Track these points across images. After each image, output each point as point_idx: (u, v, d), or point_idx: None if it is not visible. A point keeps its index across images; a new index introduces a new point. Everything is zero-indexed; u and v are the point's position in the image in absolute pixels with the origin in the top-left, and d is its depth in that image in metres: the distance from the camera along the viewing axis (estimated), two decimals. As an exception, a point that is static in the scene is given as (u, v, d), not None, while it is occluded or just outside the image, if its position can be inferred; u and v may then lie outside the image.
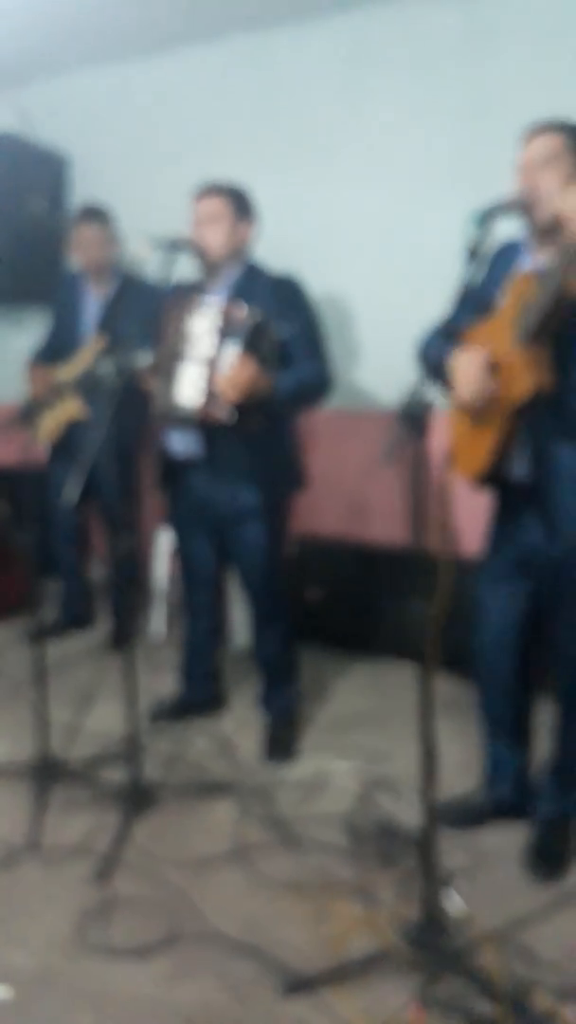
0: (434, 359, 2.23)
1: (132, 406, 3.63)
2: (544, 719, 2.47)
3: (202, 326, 2.56)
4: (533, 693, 2.47)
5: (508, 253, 2.26)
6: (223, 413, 2.52)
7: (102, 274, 3.65)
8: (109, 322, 3.58)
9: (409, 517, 1.86)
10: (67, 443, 3.59)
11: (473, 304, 2.24)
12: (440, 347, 2.25)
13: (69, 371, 3.59)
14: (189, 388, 2.57)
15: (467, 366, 2.09)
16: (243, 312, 2.51)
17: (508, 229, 2.26)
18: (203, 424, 2.59)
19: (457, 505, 2.31)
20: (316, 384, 2.73)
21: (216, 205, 2.69)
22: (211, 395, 2.53)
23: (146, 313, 3.45)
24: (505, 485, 2.23)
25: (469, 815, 2.49)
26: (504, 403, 2.06)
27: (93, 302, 3.67)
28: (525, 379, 2.00)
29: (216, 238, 2.69)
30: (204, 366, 2.54)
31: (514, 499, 2.24)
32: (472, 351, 2.10)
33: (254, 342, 2.52)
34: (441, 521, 1.91)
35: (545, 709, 2.47)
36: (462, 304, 2.23)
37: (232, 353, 2.51)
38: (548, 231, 2.09)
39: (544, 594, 2.28)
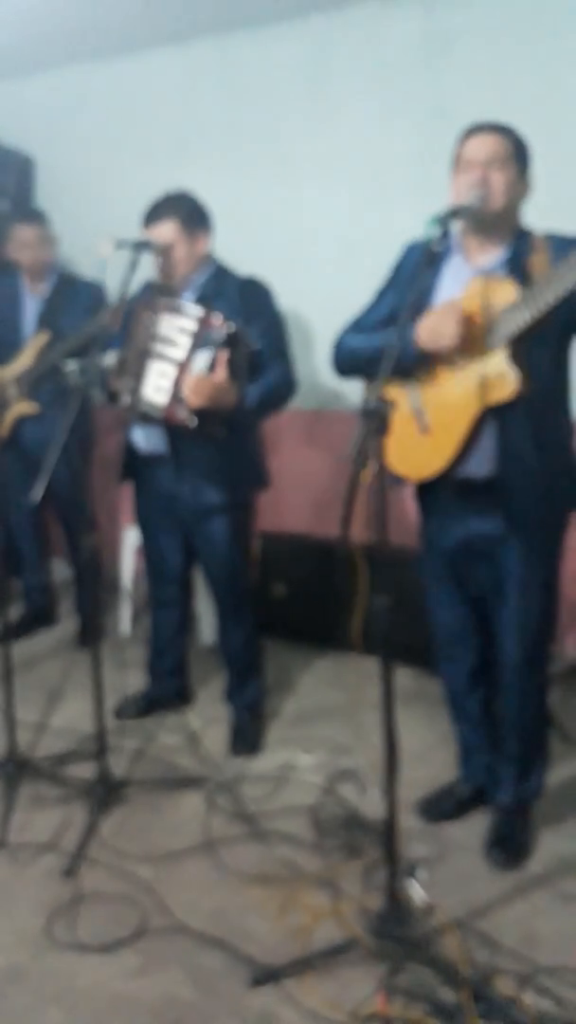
0: (370, 346, 2.20)
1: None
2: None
3: (177, 329, 2.53)
4: (495, 681, 2.49)
5: (414, 254, 2.25)
6: (185, 417, 2.50)
7: (39, 274, 3.61)
8: (49, 319, 3.56)
9: (370, 514, 1.86)
10: (15, 440, 3.54)
11: (387, 306, 2.27)
12: (368, 337, 2.24)
13: (12, 370, 3.56)
14: (156, 387, 2.54)
15: (443, 316, 2.03)
16: (220, 321, 2.48)
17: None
18: (166, 424, 2.57)
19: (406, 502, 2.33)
20: (282, 388, 2.71)
21: (169, 230, 2.64)
22: (176, 398, 2.50)
23: (84, 309, 3.48)
24: (451, 484, 2.20)
25: (448, 808, 2.50)
26: (473, 405, 2.05)
27: (31, 301, 3.64)
28: (507, 383, 1.99)
29: (178, 259, 2.67)
30: (174, 368, 2.52)
31: (459, 496, 2.22)
32: (446, 305, 2.06)
33: (228, 351, 2.49)
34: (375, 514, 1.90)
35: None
36: (377, 305, 2.31)
37: (204, 360, 2.48)
38: (489, 230, 2.11)
39: (490, 581, 2.29)
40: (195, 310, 2.52)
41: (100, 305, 3.56)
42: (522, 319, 1.94)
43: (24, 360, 3.53)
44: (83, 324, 3.41)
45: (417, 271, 2.04)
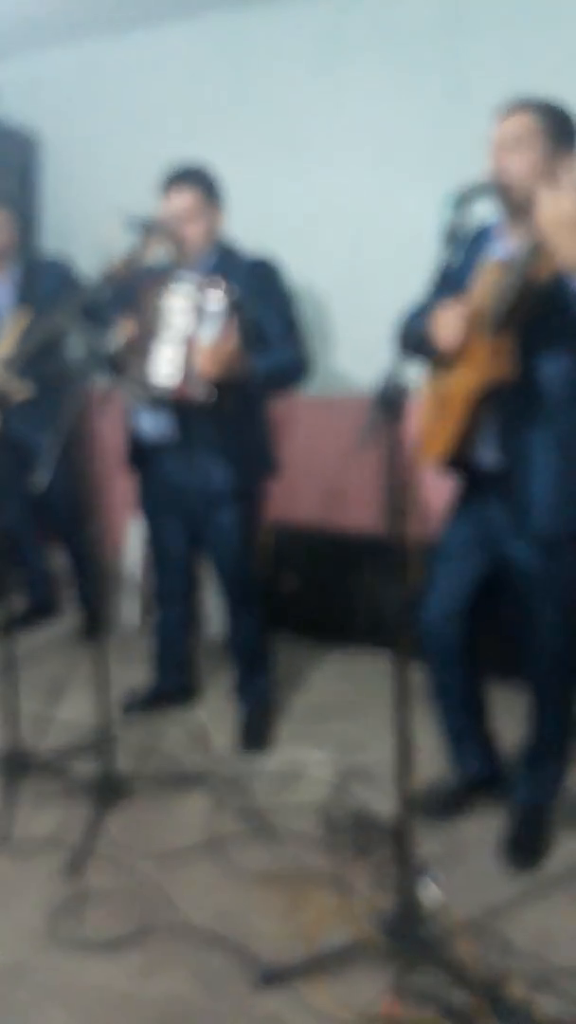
0: (415, 335, 2.22)
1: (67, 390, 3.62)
2: (512, 707, 2.48)
3: (178, 304, 2.52)
4: (480, 668, 2.48)
5: (482, 237, 2.25)
6: (201, 391, 2.48)
7: (6, 258, 3.60)
8: (25, 300, 3.55)
9: (384, 504, 1.85)
10: (4, 426, 3.54)
11: (450, 288, 2.23)
12: (419, 323, 2.24)
13: None
14: (165, 367, 2.53)
15: (446, 316, 2.07)
16: (220, 288, 2.47)
17: (488, 212, 2.25)
18: (179, 404, 2.56)
19: (429, 490, 2.32)
20: (292, 368, 2.71)
21: (189, 199, 2.63)
22: (189, 373, 2.49)
23: (54, 289, 3.49)
24: (470, 471, 2.24)
25: (445, 802, 2.49)
26: (465, 390, 2.07)
27: (1, 286, 3.63)
28: (485, 369, 2.00)
29: (193, 232, 2.66)
30: (181, 344, 2.51)
31: (479, 485, 2.24)
32: (447, 306, 2.09)
33: (235, 318, 2.48)
34: (409, 505, 1.89)
35: (512, 697, 2.49)
36: (439, 288, 2.25)
37: (210, 330, 2.47)
38: (519, 214, 2.08)
39: (499, 579, 2.29)
40: (194, 278, 2.52)
41: (70, 283, 3.57)
42: (502, 298, 1.95)
43: (7, 343, 3.53)
44: (55, 302, 3.43)
45: (447, 253, 2.02)
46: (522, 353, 2.02)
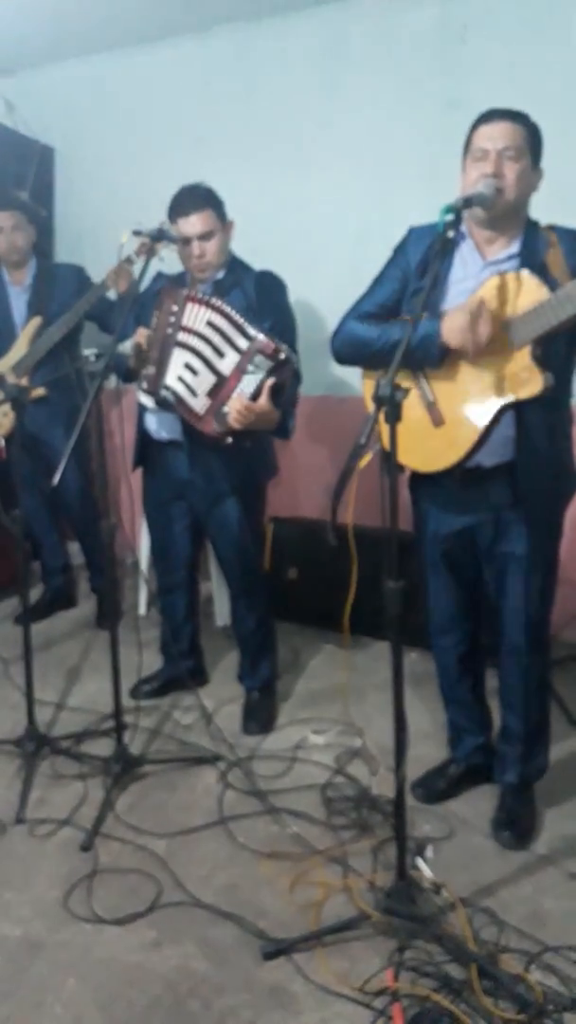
0: (384, 341, 2.15)
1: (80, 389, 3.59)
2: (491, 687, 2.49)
3: (224, 334, 2.46)
4: (484, 661, 2.50)
5: (426, 237, 2.15)
6: (219, 431, 2.47)
7: (17, 263, 3.57)
8: (37, 307, 3.53)
9: (382, 500, 1.84)
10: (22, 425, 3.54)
11: (390, 290, 2.24)
12: (382, 329, 2.18)
13: (8, 360, 3.55)
14: (181, 376, 2.51)
15: (473, 318, 1.97)
16: (274, 348, 2.40)
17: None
18: (195, 426, 2.53)
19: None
20: (295, 385, 2.66)
21: (205, 220, 2.60)
22: (216, 411, 2.47)
23: (70, 293, 3.48)
24: (455, 472, 2.16)
25: (443, 786, 2.49)
26: (495, 400, 2.02)
27: (15, 293, 3.60)
28: (535, 382, 1.95)
29: (212, 250, 2.63)
30: (212, 377, 2.47)
31: (463, 484, 2.18)
32: (465, 309, 1.99)
33: (275, 377, 2.43)
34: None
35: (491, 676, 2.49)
36: (378, 289, 2.27)
37: (251, 383, 2.43)
38: (501, 223, 2.06)
39: (491, 567, 2.28)
40: (252, 331, 2.43)
41: (85, 285, 3.55)
42: (549, 322, 1.89)
43: (19, 348, 3.53)
44: (72, 305, 3.42)
45: (430, 260, 1.99)
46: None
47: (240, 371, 2.44)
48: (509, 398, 1.99)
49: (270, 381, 2.42)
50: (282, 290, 2.73)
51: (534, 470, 2.10)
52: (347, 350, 2.28)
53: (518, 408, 2.04)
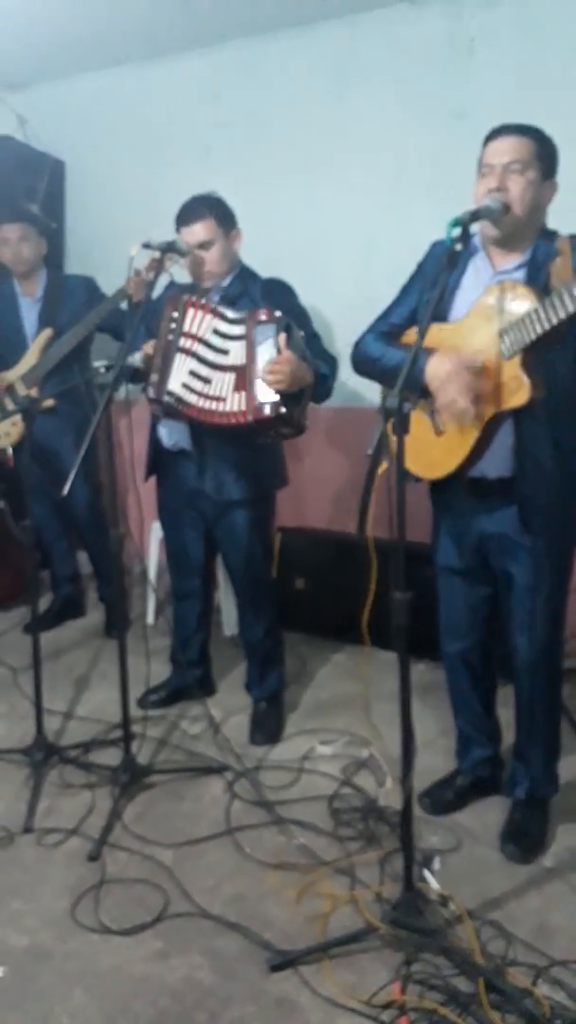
0: (384, 364, 2.20)
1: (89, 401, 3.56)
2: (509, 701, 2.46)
3: (223, 333, 2.48)
4: (495, 675, 2.48)
5: (439, 251, 2.17)
6: (271, 411, 2.41)
7: (27, 274, 3.58)
8: (48, 318, 3.54)
9: (390, 510, 1.83)
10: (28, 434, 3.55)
11: (411, 303, 2.23)
12: (385, 351, 2.22)
13: (19, 371, 3.56)
14: (185, 382, 2.49)
15: (453, 378, 1.98)
16: (267, 313, 2.43)
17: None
18: (256, 423, 2.45)
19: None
20: (331, 374, 2.64)
21: (204, 229, 2.61)
22: (256, 401, 2.43)
23: (82, 304, 3.48)
24: (470, 484, 2.17)
25: (448, 798, 2.47)
26: (488, 409, 2.01)
27: (26, 304, 3.61)
28: (521, 391, 1.95)
29: (211, 257, 2.64)
30: (234, 373, 2.46)
31: (472, 494, 2.19)
32: (452, 362, 2.00)
33: (284, 335, 2.42)
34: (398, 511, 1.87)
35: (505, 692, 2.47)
36: (402, 302, 2.27)
37: (266, 352, 2.42)
38: (509, 237, 2.05)
39: (503, 580, 2.26)
40: (237, 314, 2.47)
41: (96, 296, 3.56)
42: (535, 330, 1.89)
43: (30, 359, 3.53)
44: (84, 316, 3.42)
45: (438, 273, 1.99)
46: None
47: (252, 348, 2.44)
48: (500, 407, 1.99)
49: (282, 336, 2.41)
50: (290, 293, 2.73)
51: (535, 486, 2.08)
52: (360, 366, 2.32)
53: (517, 419, 2.03)
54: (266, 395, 2.41)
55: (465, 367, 1.98)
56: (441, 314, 2.10)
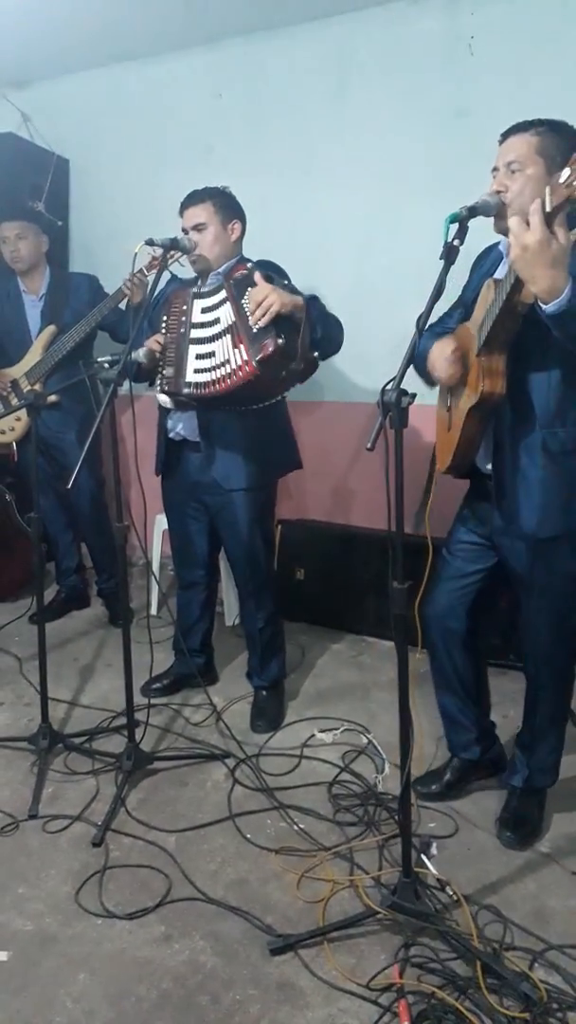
0: (420, 356, 2.21)
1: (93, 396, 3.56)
2: (510, 693, 2.45)
3: (211, 307, 2.49)
4: (483, 658, 2.44)
5: (488, 255, 2.22)
6: (270, 341, 2.34)
7: (29, 272, 3.56)
8: (51, 316, 3.52)
9: (388, 502, 1.81)
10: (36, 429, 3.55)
11: (462, 305, 2.24)
12: (426, 345, 2.23)
13: (22, 367, 3.55)
14: (198, 368, 2.50)
15: (438, 354, 2.11)
16: (240, 268, 2.46)
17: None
18: (263, 363, 2.37)
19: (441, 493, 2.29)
20: (336, 321, 2.55)
21: (199, 211, 2.62)
22: (253, 336, 2.38)
23: (85, 303, 3.47)
24: (475, 475, 2.22)
25: (443, 783, 2.47)
26: (465, 407, 2.03)
27: (29, 302, 3.59)
28: (478, 386, 1.96)
29: (206, 242, 2.63)
30: (229, 333, 2.45)
31: (481, 487, 2.21)
32: (443, 341, 2.12)
33: (262, 275, 2.41)
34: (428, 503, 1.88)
35: (508, 684, 2.45)
36: (453, 306, 2.29)
37: (249, 299, 2.39)
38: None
39: (501, 575, 2.25)
40: (211, 285, 2.52)
41: (99, 294, 3.54)
42: (488, 321, 1.91)
43: (33, 355, 3.52)
44: (87, 313, 3.42)
45: (446, 269, 1.97)
46: (513, 368, 1.97)
47: (236, 303, 2.44)
48: (470, 403, 2.01)
49: (257, 273, 2.40)
50: (281, 272, 2.69)
51: (516, 484, 2.07)
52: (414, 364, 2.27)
53: (495, 419, 2.05)
54: (262, 334, 2.37)
55: (448, 345, 2.09)
56: (467, 304, 2.17)
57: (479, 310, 2.03)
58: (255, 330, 2.37)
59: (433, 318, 2.20)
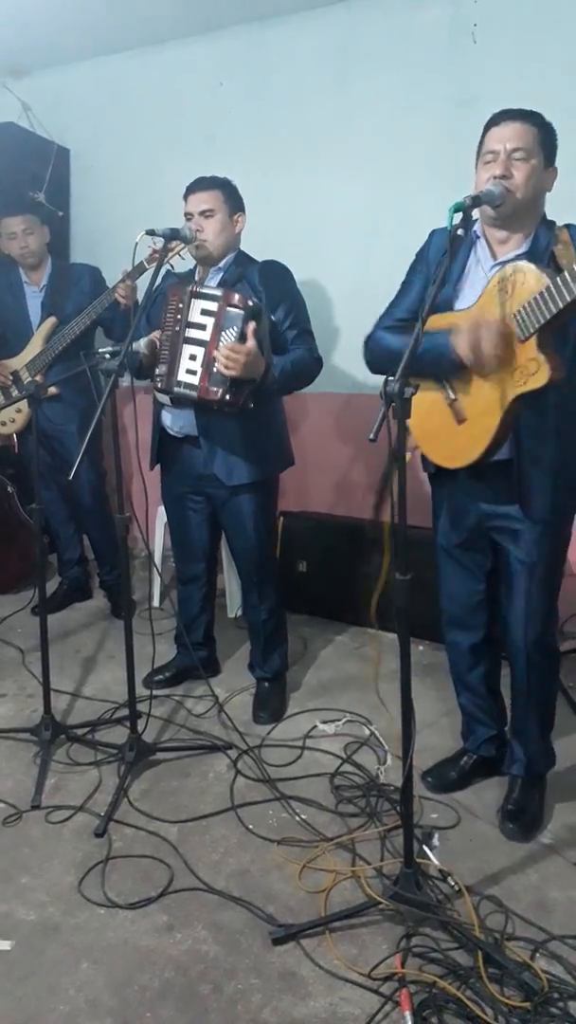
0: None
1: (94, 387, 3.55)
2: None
3: (202, 311, 2.49)
4: (499, 653, 2.46)
5: (438, 239, 2.18)
6: (218, 392, 2.45)
7: (33, 265, 3.55)
8: (52, 307, 3.52)
9: (388, 495, 1.81)
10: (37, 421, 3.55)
11: (416, 293, 2.21)
12: (404, 341, 2.13)
13: (23, 359, 3.54)
14: (189, 368, 2.51)
15: (472, 345, 1.95)
16: (241, 298, 2.44)
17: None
18: (201, 401, 2.52)
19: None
20: (308, 363, 2.66)
21: (208, 197, 2.62)
22: (209, 375, 2.46)
23: (87, 294, 3.47)
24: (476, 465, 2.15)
25: (453, 776, 2.48)
26: (507, 393, 1.98)
27: (31, 293, 3.59)
28: (541, 372, 1.91)
29: (212, 229, 2.63)
30: (203, 348, 2.48)
31: (474, 477, 2.18)
32: (466, 332, 1.97)
33: (253, 323, 2.44)
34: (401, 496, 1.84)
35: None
36: (407, 293, 2.24)
37: (231, 335, 2.44)
38: (511, 222, 2.03)
39: (502, 561, 2.25)
40: (216, 291, 2.49)
41: (100, 286, 3.53)
42: (550, 309, 1.85)
43: (34, 347, 3.51)
44: (88, 305, 3.41)
45: (441, 258, 1.96)
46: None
47: (218, 330, 2.45)
48: (520, 389, 1.96)
49: (251, 324, 2.43)
50: (288, 276, 2.71)
51: (534, 470, 2.07)
52: (377, 360, 2.26)
53: (524, 403, 2.00)
54: (217, 379, 2.45)
55: (489, 322, 1.95)
56: (447, 304, 2.09)
57: (495, 294, 1.97)
58: (214, 368, 2.45)
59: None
